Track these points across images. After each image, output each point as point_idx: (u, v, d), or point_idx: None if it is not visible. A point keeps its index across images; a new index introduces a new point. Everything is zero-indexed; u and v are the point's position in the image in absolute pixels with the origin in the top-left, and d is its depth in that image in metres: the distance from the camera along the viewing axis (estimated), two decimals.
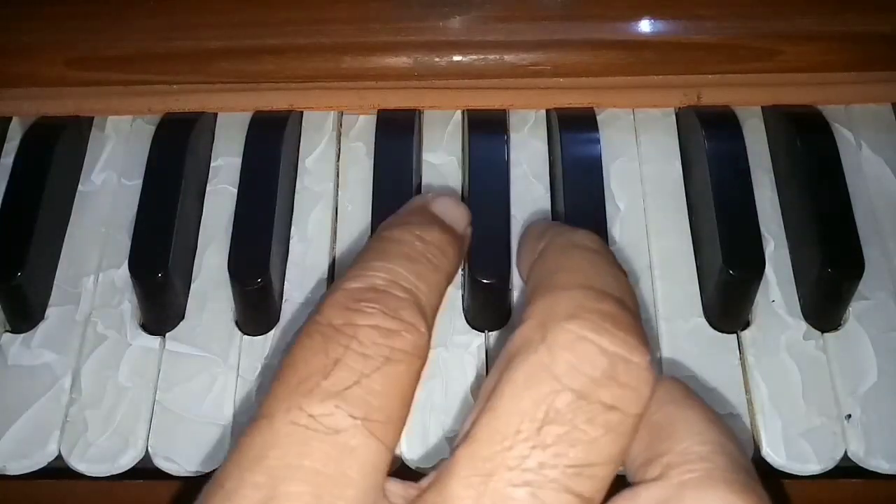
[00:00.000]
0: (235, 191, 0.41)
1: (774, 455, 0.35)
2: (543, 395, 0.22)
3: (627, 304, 0.24)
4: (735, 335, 0.38)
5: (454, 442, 0.23)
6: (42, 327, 0.39)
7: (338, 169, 0.43)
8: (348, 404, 0.23)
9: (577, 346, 0.22)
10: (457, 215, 0.31)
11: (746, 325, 0.38)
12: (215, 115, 0.44)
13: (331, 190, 0.42)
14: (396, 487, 0.23)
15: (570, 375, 0.22)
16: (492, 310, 0.38)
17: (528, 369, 0.22)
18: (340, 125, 0.44)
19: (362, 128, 0.44)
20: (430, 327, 0.25)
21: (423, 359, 0.25)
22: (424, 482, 0.22)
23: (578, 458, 0.21)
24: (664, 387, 0.24)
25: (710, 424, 0.23)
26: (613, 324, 0.23)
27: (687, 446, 0.22)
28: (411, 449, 0.35)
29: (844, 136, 0.43)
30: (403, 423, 0.24)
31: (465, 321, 0.38)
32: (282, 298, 0.39)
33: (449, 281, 0.29)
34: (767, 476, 0.35)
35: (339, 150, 0.43)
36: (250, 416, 0.24)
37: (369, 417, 0.23)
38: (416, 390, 0.37)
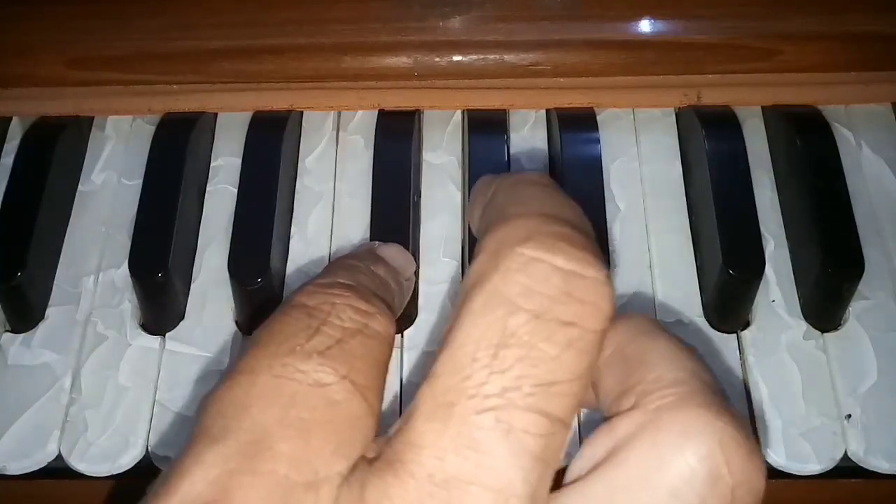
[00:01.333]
0: (235, 191, 0.41)
1: (774, 455, 0.35)
2: (497, 318, 0.21)
3: (581, 228, 0.23)
4: (735, 335, 0.38)
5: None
6: (42, 327, 0.39)
7: (336, 164, 0.43)
8: (332, 361, 0.23)
9: (531, 266, 0.22)
10: (402, 261, 0.33)
11: (746, 325, 0.38)
12: (215, 115, 0.44)
13: (331, 189, 0.42)
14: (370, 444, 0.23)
15: (524, 296, 0.21)
16: None
17: (483, 297, 0.22)
18: (339, 119, 0.44)
19: (361, 121, 0.44)
20: (394, 323, 0.26)
21: (391, 347, 0.25)
22: (392, 429, 0.22)
23: (541, 377, 0.21)
24: (634, 321, 0.24)
25: (681, 352, 0.23)
26: (568, 243, 0.22)
27: (659, 374, 0.22)
28: None
29: (844, 136, 0.43)
30: (382, 396, 0.24)
31: None
32: (282, 298, 0.39)
33: (396, 308, 0.30)
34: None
35: (338, 142, 0.43)
36: (222, 376, 0.23)
37: (351, 376, 0.23)
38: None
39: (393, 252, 0.33)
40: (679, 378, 0.21)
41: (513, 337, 0.21)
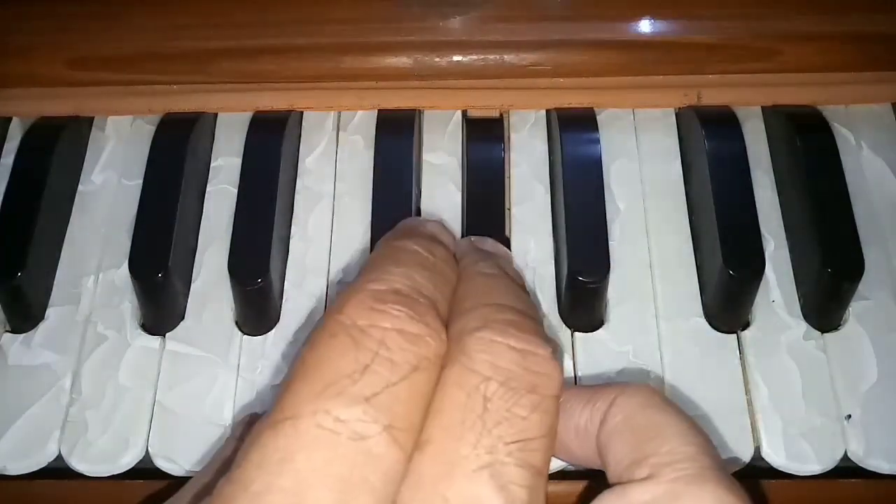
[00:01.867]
0: (235, 191, 0.41)
1: (774, 455, 0.35)
2: (473, 387, 0.24)
3: (527, 313, 0.27)
4: (735, 335, 0.38)
5: None
6: (42, 327, 0.39)
7: (336, 164, 0.43)
8: (376, 411, 0.23)
9: (491, 347, 0.25)
10: (448, 238, 0.33)
11: (746, 325, 0.38)
12: (215, 115, 0.44)
13: (331, 190, 0.42)
14: None
15: (491, 369, 0.25)
16: None
17: (457, 374, 0.25)
18: (339, 119, 0.44)
19: (360, 121, 0.44)
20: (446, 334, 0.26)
21: (440, 366, 0.26)
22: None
23: (520, 434, 0.24)
24: (641, 392, 0.26)
25: (691, 427, 0.24)
26: (516, 328, 0.26)
27: (673, 447, 0.23)
28: None
29: (844, 136, 0.43)
30: (419, 432, 0.24)
31: None
32: (282, 298, 0.39)
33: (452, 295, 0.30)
34: (766, 476, 0.36)
35: (338, 142, 0.43)
36: (267, 414, 0.23)
37: (394, 425, 0.23)
38: None
39: (438, 228, 0.33)
40: (692, 453, 0.23)
41: (490, 402, 0.24)
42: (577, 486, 0.35)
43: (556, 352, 0.27)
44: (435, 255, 0.29)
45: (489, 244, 0.34)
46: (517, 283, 0.30)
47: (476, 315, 0.27)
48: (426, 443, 0.24)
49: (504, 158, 0.43)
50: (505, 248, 0.35)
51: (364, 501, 0.22)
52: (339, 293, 0.27)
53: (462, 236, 0.40)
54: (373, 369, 0.23)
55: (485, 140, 0.43)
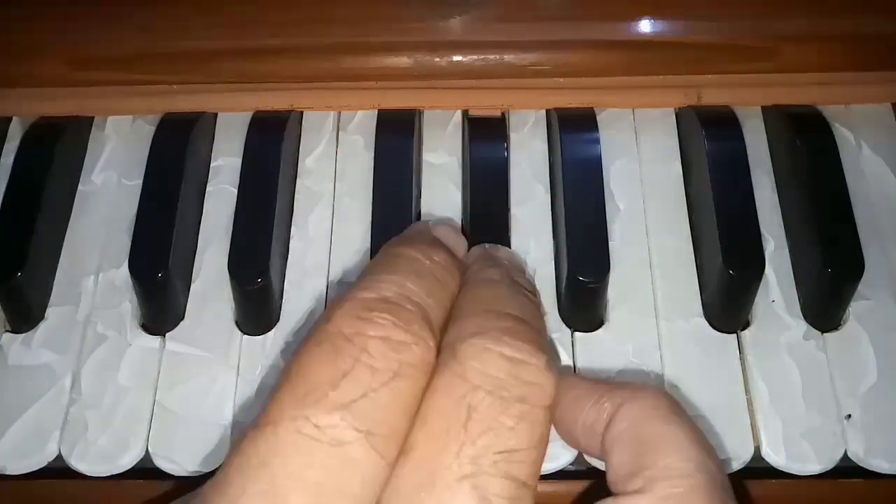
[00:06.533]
0: (235, 191, 0.41)
1: (774, 455, 0.35)
2: (460, 396, 0.24)
3: (527, 322, 0.27)
4: (735, 335, 0.38)
5: None
6: (42, 327, 0.39)
7: (336, 164, 0.43)
8: (354, 417, 0.23)
9: (482, 355, 0.25)
10: (457, 242, 0.33)
11: (746, 325, 0.38)
12: (215, 115, 0.44)
13: (331, 190, 0.42)
14: None
15: (479, 378, 0.25)
16: None
17: (445, 381, 0.25)
18: (339, 119, 0.44)
19: (361, 122, 0.44)
20: (437, 343, 0.26)
21: (429, 374, 0.26)
22: None
23: (504, 445, 0.23)
24: (651, 399, 0.25)
25: (694, 442, 0.24)
26: (511, 336, 0.26)
27: (670, 462, 0.23)
28: None
29: (844, 136, 0.43)
30: (404, 438, 0.24)
31: None
32: (282, 298, 0.39)
33: (452, 302, 0.30)
34: (766, 476, 0.36)
35: (338, 142, 0.43)
36: (252, 420, 0.24)
37: (373, 431, 0.23)
38: None
39: (447, 232, 0.33)
40: (688, 470, 0.23)
41: (476, 412, 0.24)
42: (577, 486, 0.35)
43: (552, 362, 0.26)
44: (433, 260, 0.29)
45: (503, 252, 0.34)
46: (525, 292, 0.30)
47: (472, 321, 0.27)
48: (410, 449, 0.24)
49: (505, 158, 0.42)
50: (518, 258, 0.35)
51: None
52: (332, 302, 0.27)
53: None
54: (353, 376, 0.24)
55: (487, 140, 0.43)
